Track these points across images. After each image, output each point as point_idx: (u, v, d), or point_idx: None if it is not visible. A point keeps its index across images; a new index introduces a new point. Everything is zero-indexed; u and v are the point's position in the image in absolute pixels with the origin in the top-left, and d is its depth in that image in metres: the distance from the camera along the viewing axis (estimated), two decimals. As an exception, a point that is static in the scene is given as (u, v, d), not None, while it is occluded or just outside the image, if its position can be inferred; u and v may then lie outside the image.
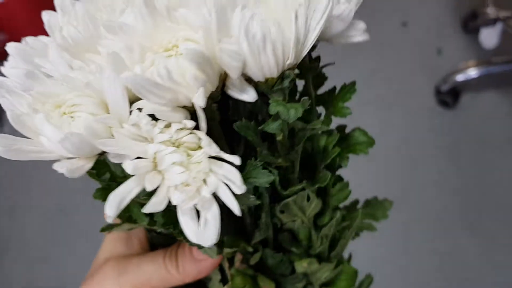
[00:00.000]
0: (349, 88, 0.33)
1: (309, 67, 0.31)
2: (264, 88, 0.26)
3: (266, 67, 0.24)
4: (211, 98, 0.25)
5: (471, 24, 1.59)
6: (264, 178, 0.27)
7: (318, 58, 0.32)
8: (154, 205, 0.23)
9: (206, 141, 0.24)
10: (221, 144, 0.27)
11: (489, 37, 1.53)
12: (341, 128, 0.36)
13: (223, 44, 0.23)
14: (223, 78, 0.25)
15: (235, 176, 0.24)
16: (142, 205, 0.24)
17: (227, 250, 0.32)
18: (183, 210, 0.24)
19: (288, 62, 0.25)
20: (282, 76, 0.26)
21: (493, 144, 1.39)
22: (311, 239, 0.35)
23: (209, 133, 0.26)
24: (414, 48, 1.61)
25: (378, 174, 1.35)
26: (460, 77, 1.44)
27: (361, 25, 0.30)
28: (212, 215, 0.24)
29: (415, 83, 1.54)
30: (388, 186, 1.30)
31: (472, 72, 1.44)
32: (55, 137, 0.22)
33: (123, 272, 0.34)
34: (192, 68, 0.22)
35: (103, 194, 0.29)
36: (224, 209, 0.30)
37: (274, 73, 0.25)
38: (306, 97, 0.26)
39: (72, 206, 1.38)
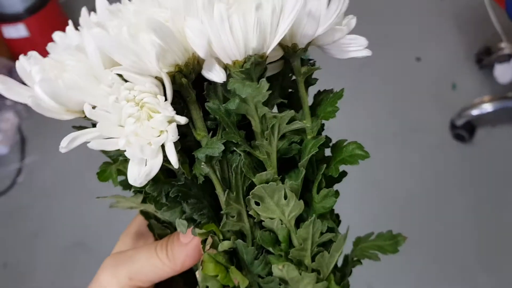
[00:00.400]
0: (338, 94, 0.33)
1: (299, 71, 0.32)
2: (232, 71, 0.28)
3: (228, 48, 0.27)
4: (181, 73, 0.28)
5: (485, 59, 1.60)
6: (215, 148, 0.30)
7: (309, 61, 0.33)
8: (110, 145, 0.27)
9: (162, 102, 0.27)
10: (198, 123, 0.30)
11: (503, 72, 1.54)
12: (340, 143, 0.36)
13: (187, 21, 0.26)
14: (197, 59, 0.29)
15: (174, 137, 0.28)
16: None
17: (198, 231, 0.34)
18: (133, 156, 0.27)
19: (252, 46, 0.27)
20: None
21: (510, 179, 1.38)
22: (291, 243, 0.34)
23: (188, 113, 0.30)
24: (428, 83, 1.62)
25: (394, 209, 1.35)
26: (475, 112, 1.45)
27: (362, 40, 0.31)
28: (154, 164, 0.27)
29: (431, 117, 1.54)
30: (403, 222, 1.29)
31: (487, 107, 1.44)
32: (36, 79, 0.28)
33: (118, 264, 0.36)
34: (151, 35, 0.26)
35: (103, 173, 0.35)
36: (206, 187, 0.33)
37: (237, 55, 0.27)
38: (264, 79, 0.28)
39: (93, 240, 1.39)
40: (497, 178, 1.38)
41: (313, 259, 0.35)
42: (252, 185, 0.32)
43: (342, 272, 0.38)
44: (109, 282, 0.35)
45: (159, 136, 0.27)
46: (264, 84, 0.28)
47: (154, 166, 0.27)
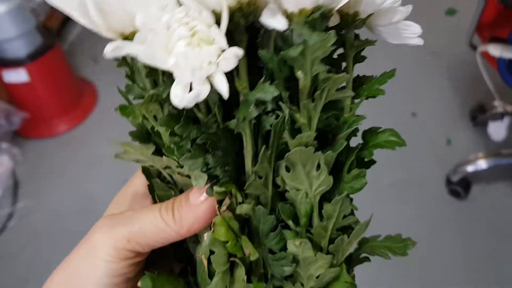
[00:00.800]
0: (389, 74, 0.33)
1: (352, 43, 0.31)
2: (295, 21, 0.26)
3: None
4: (241, 12, 0.26)
5: (479, 117, 1.63)
6: (268, 93, 0.28)
7: (359, 37, 0.32)
8: (158, 61, 0.25)
9: (217, 33, 0.25)
10: (243, 72, 0.28)
11: (497, 130, 1.56)
12: (374, 129, 0.35)
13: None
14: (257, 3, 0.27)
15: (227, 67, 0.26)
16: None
17: (217, 189, 0.31)
18: (180, 79, 0.25)
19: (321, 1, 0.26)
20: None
21: (505, 235, 1.37)
22: (311, 220, 0.32)
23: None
24: (424, 138, 1.63)
25: (385, 261, 1.33)
26: (470, 168, 1.45)
27: (417, 29, 0.31)
28: (203, 89, 0.26)
29: (426, 172, 1.55)
30: (395, 275, 1.27)
31: (482, 163, 1.45)
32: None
33: (115, 224, 0.32)
34: None
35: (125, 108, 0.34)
36: (234, 145, 0.31)
37: (307, 3, 0.26)
38: (333, 31, 0.26)
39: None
40: (492, 235, 1.37)
41: (330, 242, 0.32)
42: (281, 153, 0.30)
43: (349, 266, 0.36)
44: (103, 242, 0.32)
45: (209, 65, 0.26)
46: (332, 36, 0.26)
47: (203, 91, 0.25)
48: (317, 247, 0.32)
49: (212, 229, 0.31)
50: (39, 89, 1.74)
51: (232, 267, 0.33)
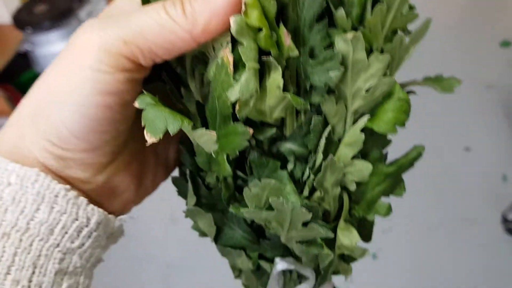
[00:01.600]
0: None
1: None
2: None
3: None
4: None
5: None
6: None
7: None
8: None
9: None
10: None
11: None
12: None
13: None
14: None
15: None
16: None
17: None
18: None
19: None
20: None
21: None
22: (362, 20, 0.26)
23: None
24: (478, 174, 1.58)
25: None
26: (527, 205, 1.39)
27: None
28: None
29: (481, 209, 1.49)
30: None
31: (541, 200, 1.39)
32: None
33: (106, 23, 0.25)
34: None
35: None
36: None
37: None
38: None
39: None
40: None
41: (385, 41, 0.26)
42: None
43: None
44: (92, 44, 0.24)
45: None
46: None
47: None
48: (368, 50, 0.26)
49: (244, 11, 0.23)
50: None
51: (261, 73, 0.25)
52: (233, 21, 0.23)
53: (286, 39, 0.24)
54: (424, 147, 0.30)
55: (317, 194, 0.29)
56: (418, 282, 1.31)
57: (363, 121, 0.27)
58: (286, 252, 0.32)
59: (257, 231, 0.32)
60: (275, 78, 0.25)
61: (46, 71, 0.26)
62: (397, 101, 0.27)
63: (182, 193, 0.33)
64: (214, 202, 0.31)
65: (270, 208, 0.28)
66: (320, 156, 0.28)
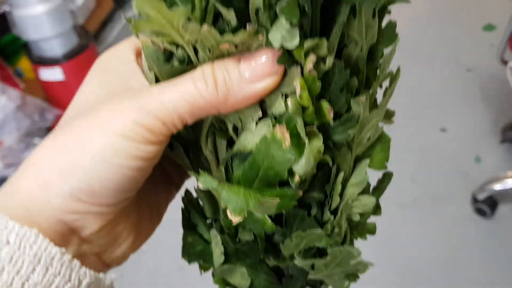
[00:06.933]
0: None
1: None
2: None
3: None
4: None
5: (508, 134, 1.60)
6: None
7: None
8: None
9: None
10: None
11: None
12: None
13: None
14: None
15: None
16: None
17: (308, 44, 0.25)
18: None
19: None
20: None
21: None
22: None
23: None
24: (452, 155, 1.61)
25: (409, 277, 1.31)
26: (498, 187, 1.43)
27: None
28: None
29: (452, 189, 1.52)
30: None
31: (511, 182, 1.42)
32: None
33: (142, 98, 0.26)
34: None
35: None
36: None
37: None
38: None
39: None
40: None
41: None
42: None
43: None
44: (127, 115, 0.25)
45: None
46: None
47: None
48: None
49: (299, 95, 0.26)
50: (73, 87, 1.78)
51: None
52: (291, 103, 0.26)
53: (330, 113, 0.28)
54: (392, 173, 0.35)
55: (336, 230, 0.32)
56: (388, 259, 1.34)
57: (365, 164, 0.32)
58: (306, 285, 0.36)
59: (277, 272, 0.35)
60: (317, 144, 0.28)
61: (73, 118, 0.28)
62: (384, 143, 0.32)
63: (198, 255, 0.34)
64: (245, 256, 0.33)
65: (306, 254, 0.32)
66: (337, 199, 0.31)
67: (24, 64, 1.82)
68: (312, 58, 0.26)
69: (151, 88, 0.27)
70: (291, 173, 0.28)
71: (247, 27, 0.24)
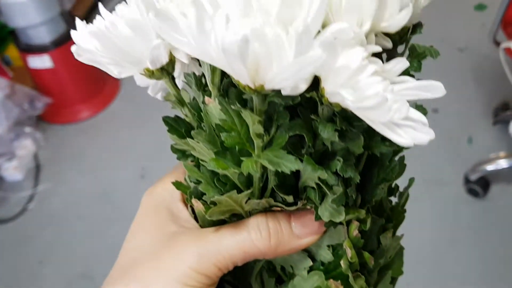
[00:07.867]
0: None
1: None
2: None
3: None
4: None
5: (501, 115, 1.60)
6: None
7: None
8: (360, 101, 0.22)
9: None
10: None
11: (519, 129, 1.53)
12: None
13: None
14: None
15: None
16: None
17: (350, 216, 0.29)
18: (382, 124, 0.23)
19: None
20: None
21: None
22: None
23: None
24: (444, 135, 1.61)
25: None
26: (490, 167, 1.43)
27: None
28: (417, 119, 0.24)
29: (445, 170, 1.53)
30: (410, 273, 1.27)
31: (503, 163, 1.43)
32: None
33: (201, 247, 0.28)
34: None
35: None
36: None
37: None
38: None
39: (98, 273, 1.38)
40: (510, 235, 1.36)
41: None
42: None
43: None
44: (187, 263, 0.28)
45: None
46: None
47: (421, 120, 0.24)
48: None
49: (348, 255, 0.30)
50: (62, 75, 1.77)
51: None
52: (343, 263, 0.30)
53: (371, 261, 0.32)
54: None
55: None
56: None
57: (389, 277, 0.37)
58: None
59: None
60: (362, 285, 0.32)
61: (136, 262, 0.30)
62: (400, 253, 0.40)
63: None
64: None
65: None
66: None
67: (12, 52, 1.80)
68: (356, 225, 0.30)
69: (207, 234, 0.29)
70: None
71: (298, 203, 0.29)
